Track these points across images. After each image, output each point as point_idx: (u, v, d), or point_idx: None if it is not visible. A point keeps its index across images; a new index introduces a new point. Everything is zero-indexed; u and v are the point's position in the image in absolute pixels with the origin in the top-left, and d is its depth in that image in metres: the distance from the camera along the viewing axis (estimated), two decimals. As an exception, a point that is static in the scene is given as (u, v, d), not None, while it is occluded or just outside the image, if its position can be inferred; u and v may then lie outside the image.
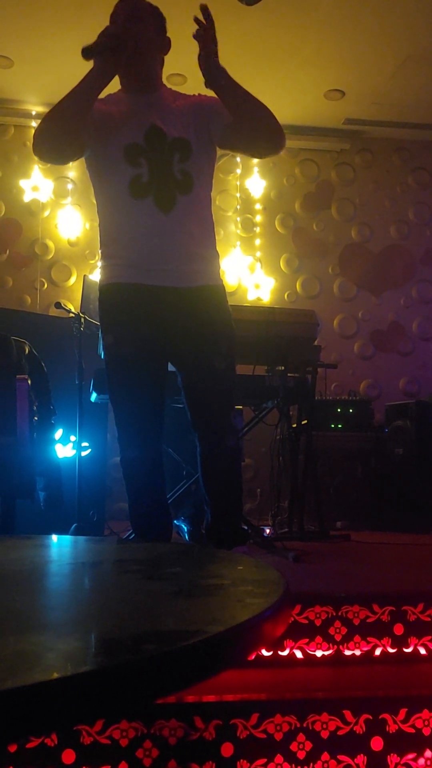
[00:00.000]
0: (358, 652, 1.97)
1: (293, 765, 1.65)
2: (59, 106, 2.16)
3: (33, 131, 5.61)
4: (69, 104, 2.15)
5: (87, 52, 2.07)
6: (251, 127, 2.23)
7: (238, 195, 5.75)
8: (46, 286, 5.53)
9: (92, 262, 5.47)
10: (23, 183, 5.51)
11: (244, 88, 2.21)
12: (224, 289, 2.40)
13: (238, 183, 5.74)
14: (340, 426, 4.80)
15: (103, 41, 2.09)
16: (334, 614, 1.98)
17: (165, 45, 2.34)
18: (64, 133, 2.16)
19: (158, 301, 2.26)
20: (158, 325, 2.28)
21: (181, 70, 4.48)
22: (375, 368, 5.85)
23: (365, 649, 1.98)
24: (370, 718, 1.70)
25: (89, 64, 2.16)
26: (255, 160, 5.69)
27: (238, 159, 5.72)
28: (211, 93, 2.27)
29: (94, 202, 2.41)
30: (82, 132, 2.18)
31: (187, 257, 2.28)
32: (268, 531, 3.59)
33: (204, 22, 2.08)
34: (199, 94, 2.37)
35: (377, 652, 1.98)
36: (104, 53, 2.09)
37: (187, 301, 2.27)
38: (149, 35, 2.24)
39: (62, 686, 0.56)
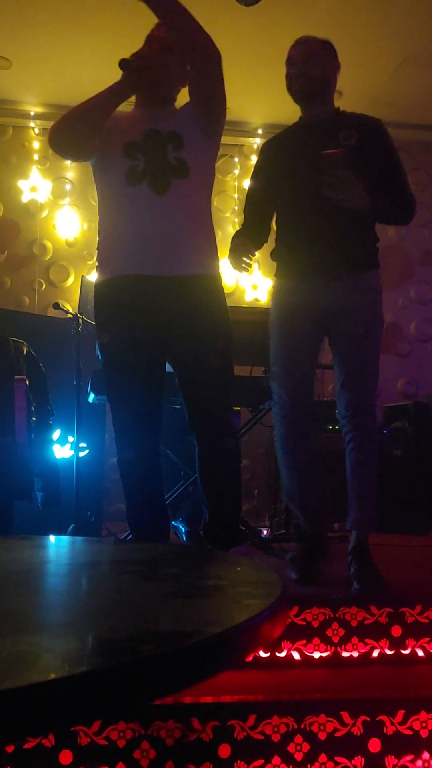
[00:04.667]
0: (355, 654, 1.97)
1: (291, 766, 1.65)
2: (81, 106, 2.28)
3: (31, 132, 5.65)
4: (90, 106, 2.28)
5: (123, 64, 2.24)
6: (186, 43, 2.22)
7: (236, 196, 5.75)
8: (44, 286, 5.53)
9: (90, 262, 5.47)
10: (21, 184, 5.50)
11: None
12: (221, 283, 2.39)
13: (236, 184, 5.74)
14: (337, 427, 4.79)
15: (135, 62, 2.24)
16: (332, 616, 1.98)
17: (185, 78, 2.43)
18: (80, 130, 2.29)
19: (152, 293, 2.25)
20: (153, 321, 2.26)
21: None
22: (373, 369, 5.84)
23: (363, 650, 1.98)
24: (368, 719, 1.70)
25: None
26: (253, 160, 5.70)
27: (236, 159, 5.72)
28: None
29: (92, 203, 2.44)
30: (97, 134, 2.30)
31: (182, 241, 2.27)
32: (265, 532, 3.59)
33: None
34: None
35: (375, 653, 1.98)
36: (132, 72, 2.25)
37: (181, 291, 2.26)
38: (175, 66, 2.37)
39: (60, 687, 0.55)
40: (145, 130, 2.32)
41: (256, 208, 2.55)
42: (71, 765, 1.56)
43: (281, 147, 2.51)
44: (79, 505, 3.40)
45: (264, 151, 2.58)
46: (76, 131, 2.29)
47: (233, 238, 2.47)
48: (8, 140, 5.60)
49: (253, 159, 5.81)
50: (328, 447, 4.61)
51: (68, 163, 5.39)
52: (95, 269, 2.40)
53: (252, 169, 2.65)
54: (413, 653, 2.00)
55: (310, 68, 2.40)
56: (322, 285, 2.34)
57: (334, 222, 2.32)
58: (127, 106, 2.40)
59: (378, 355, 2.42)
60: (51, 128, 2.33)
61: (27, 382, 2.98)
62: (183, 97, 2.45)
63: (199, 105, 2.33)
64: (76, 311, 3.67)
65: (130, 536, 2.56)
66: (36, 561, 1.37)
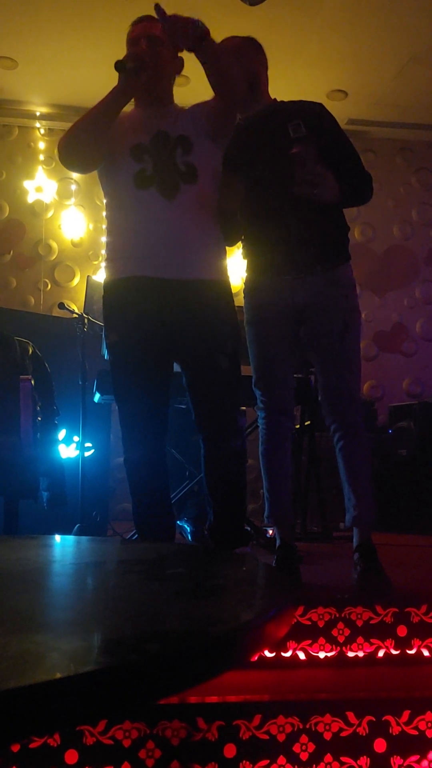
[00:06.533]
0: (361, 654, 1.97)
1: (296, 766, 1.65)
2: (85, 118, 2.27)
3: (37, 132, 5.66)
4: (94, 118, 2.27)
5: (119, 66, 2.19)
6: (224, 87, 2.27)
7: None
8: (49, 286, 5.54)
9: (96, 263, 5.47)
10: (27, 184, 5.52)
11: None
12: (230, 287, 2.39)
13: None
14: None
15: (131, 64, 2.19)
16: (338, 616, 1.98)
17: (178, 66, 2.46)
18: (89, 143, 2.29)
19: (162, 295, 2.25)
20: (162, 322, 2.27)
21: (185, 72, 4.49)
22: (378, 369, 5.84)
23: (368, 650, 1.98)
24: (373, 719, 1.70)
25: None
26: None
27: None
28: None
29: (98, 203, 2.45)
30: (105, 142, 2.29)
31: (192, 245, 2.28)
32: (270, 532, 3.58)
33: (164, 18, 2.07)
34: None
35: (380, 653, 1.98)
36: (129, 74, 2.22)
37: (191, 295, 2.26)
38: (167, 58, 2.35)
39: (65, 686, 0.55)
40: (153, 132, 2.32)
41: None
42: (77, 764, 1.56)
43: (234, 153, 2.41)
44: (85, 504, 3.41)
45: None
46: (83, 143, 2.28)
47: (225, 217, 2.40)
48: (14, 140, 5.61)
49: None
50: (332, 447, 4.60)
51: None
52: (104, 267, 2.40)
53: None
54: (419, 653, 2.00)
55: (242, 65, 2.37)
56: (297, 280, 2.31)
57: (307, 217, 2.29)
58: (127, 106, 2.40)
59: (359, 348, 2.39)
60: (59, 145, 2.32)
61: (32, 382, 2.99)
62: (180, 94, 2.46)
63: (215, 122, 2.33)
64: (82, 311, 3.68)
65: (136, 536, 2.56)
66: (41, 560, 1.37)
